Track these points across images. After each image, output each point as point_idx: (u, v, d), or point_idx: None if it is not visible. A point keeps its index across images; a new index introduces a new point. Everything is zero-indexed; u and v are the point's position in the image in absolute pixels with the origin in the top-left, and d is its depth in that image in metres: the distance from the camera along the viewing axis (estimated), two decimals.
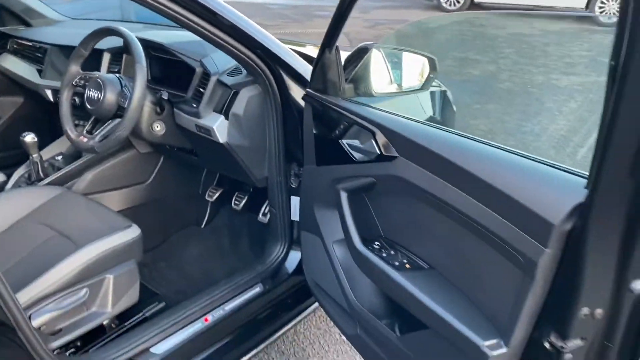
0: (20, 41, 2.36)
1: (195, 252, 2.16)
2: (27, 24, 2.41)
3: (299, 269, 1.77)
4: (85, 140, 1.67)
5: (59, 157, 2.06)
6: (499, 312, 0.98)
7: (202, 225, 2.30)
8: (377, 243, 1.30)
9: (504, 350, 0.96)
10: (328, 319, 2.16)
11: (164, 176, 2.17)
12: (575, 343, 0.90)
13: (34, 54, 2.26)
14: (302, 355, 2.00)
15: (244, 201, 2.18)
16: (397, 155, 1.16)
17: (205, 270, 2.03)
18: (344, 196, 1.32)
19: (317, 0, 11.58)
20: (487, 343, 0.97)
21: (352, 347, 2.01)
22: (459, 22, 8.74)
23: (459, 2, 9.88)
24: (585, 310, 0.86)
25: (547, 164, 0.90)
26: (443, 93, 2.16)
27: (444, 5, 9.94)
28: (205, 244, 2.21)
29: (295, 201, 1.75)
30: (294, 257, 1.82)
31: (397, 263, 1.21)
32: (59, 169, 2.00)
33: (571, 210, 0.81)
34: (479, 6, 9.93)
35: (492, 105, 5.06)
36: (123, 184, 2.08)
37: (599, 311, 0.87)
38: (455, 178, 1.01)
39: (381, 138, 1.22)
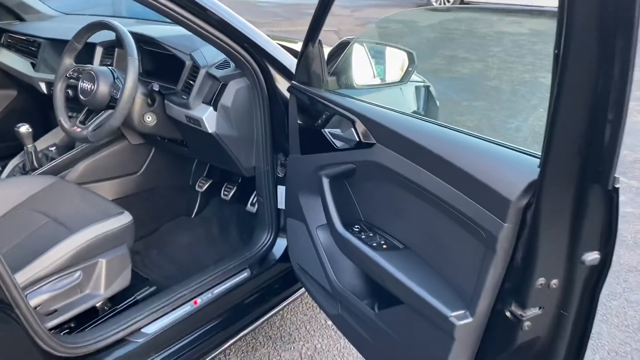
0: (14, 35, 2.41)
1: (186, 240, 2.22)
2: (21, 19, 2.46)
3: (286, 255, 1.84)
4: (78, 130, 1.74)
5: (53, 148, 2.12)
6: (465, 285, 1.06)
7: (192, 215, 2.37)
8: (356, 226, 1.37)
9: (469, 320, 1.04)
10: (314, 305, 2.25)
11: (155, 167, 2.23)
12: (533, 312, 0.98)
13: (28, 47, 2.31)
14: (289, 339, 2.07)
15: (232, 192, 2.25)
16: (375, 142, 1.24)
17: (195, 257, 2.09)
18: (325, 182, 1.40)
19: None
20: (455, 314, 1.05)
21: (337, 332, 2.09)
22: (449, 21, 8.85)
23: (448, 2, 9.98)
24: (541, 281, 0.94)
25: (505, 146, 0.98)
26: (426, 88, 2.24)
27: (434, 4, 10.03)
28: (195, 233, 2.27)
29: (282, 190, 1.82)
30: (281, 244, 1.89)
31: (375, 244, 1.28)
32: (52, 159, 2.06)
33: (526, 187, 0.89)
34: (469, 5, 10.03)
35: (479, 102, 5.15)
36: (115, 174, 2.14)
37: (554, 281, 0.95)
38: (426, 161, 1.09)
39: (360, 127, 1.29)
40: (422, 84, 2.21)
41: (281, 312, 2.18)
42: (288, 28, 8.31)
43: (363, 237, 1.31)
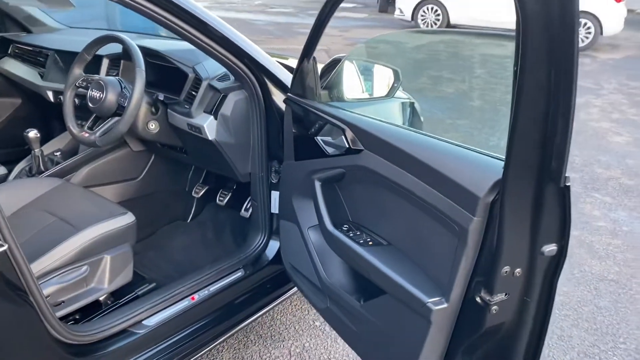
0: (21, 46, 2.53)
1: (182, 243, 2.33)
2: (28, 31, 2.58)
3: (278, 257, 1.96)
4: (86, 135, 1.86)
5: (58, 153, 2.23)
6: (441, 274, 1.19)
7: (188, 220, 2.48)
8: (345, 226, 1.50)
9: (445, 305, 1.17)
10: (302, 307, 2.36)
11: (154, 173, 2.35)
12: (499, 297, 1.11)
13: (36, 58, 2.43)
14: (279, 338, 2.18)
15: (227, 197, 2.37)
16: (363, 148, 1.38)
17: (191, 258, 2.20)
18: (317, 185, 1.53)
19: (298, 18, 11.91)
20: (431, 300, 1.18)
21: (324, 332, 2.21)
22: (435, 43, 9.10)
23: (435, 24, 10.26)
24: (506, 269, 1.08)
25: (475, 150, 1.13)
26: (411, 104, 2.39)
27: (422, 26, 10.31)
28: (191, 237, 2.39)
29: (275, 195, 1.95)
30: (273, 246, 2.01)
31: (361, 241, 1.42)
32: (57, 163, 2.17)
33: (492, 185, 1.03)
34: (455, 27, 10.31)
35: (463, 120, 5.35)
36: (116, 179, 2.25)
37: (518, 270, 1.09)
38: (408, 165, 1.23)
39: (350, 135, 1.43)
40: (407, 100, 2.37)
41: (271, 312, 2.30)
42: (281, 46, 8.50)
43: (351, 235, 1.45)
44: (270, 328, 2.24)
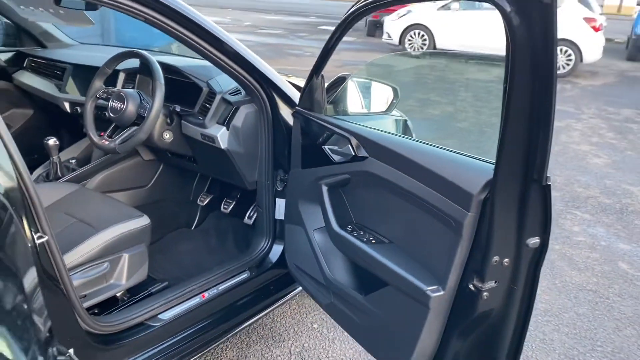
0: (37, 60, 2.67)
1: (188, 248, 2.46)
2: (43, 46, 2.72)
3: (280, 261, 2.10)
4: (106, 143, 1.99)
5: (73, 161, 2.36)
6: (438, 265, 1.35)
7: (193, 227, 2.61)
8: (350, 226, 1.66)
9: (441, 292, 1.32)
10: (301, 310, 2.49)
11: (162, 182, 2.48)
12: (490, 285, 1.27)
13: (53, 71, 2.57)
14: (279, 338, 2.30)
15: (232, 206, 2.51)
16: (368, 155, 1.54)
17: (197, 262, 2.33)
18: (325, 190, 1.69)
19: (287, 39, 12.19)
20: (430, 288, 1.33)
21: (322, 333, 2.34)
22: (422, 67, 9.40)
23: (422, 49, 10.59)
24: (496, 259, 1.24)
25: (468, 155, 1.30)
26: (404, 122, 2.57)
27: (409, 50, 10.64)
28: (196, 243, 2.51)
29: (280, 202, 2.09)
30: (277, 250, 2.15)
31: (365, 239, 1.57)
32: (73, 170, 2.30)
33: (484, 184, 1.20)
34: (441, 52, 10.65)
35: (448, 141, 5.56)
36: (127, 186, 2.38)
37: (506, 260, 1.25)
38: (409, 169, 1.39)
39: (355, 143, 1.60)
40: (400, 118, 2.55)
41: (271, 314, 2.42)
42: (272, 66, 8.70)
43: (356, 234, 1.60)
44: (271, 329, 2.36)
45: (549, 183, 1.14)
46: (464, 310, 1.33)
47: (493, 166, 1.20)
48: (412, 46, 10.59)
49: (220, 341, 1.96)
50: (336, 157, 1.69)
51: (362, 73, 1.86)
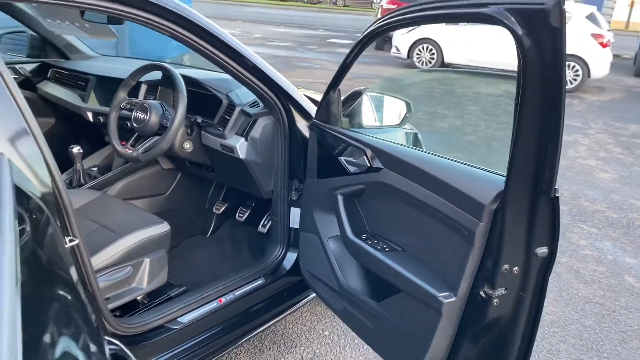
0: (61, 71, 2.77)
1: (204, 255, 2.53)
2: (66, 57, 2.82)
3: (294, 268, 2.16)
4: (129, 152, 2.07)
5: (95, 168, 2.44)
6: (450, 272, 1.41)
7: (208, 235, 2.68)
8: (364, 235, 1.72)
9: (453, 299, 1.38)
10: (313, 318, 2.55)
11: (179, 190, 2.56)
12: (500, 292, 1.33)
13: (76, 82, 2.66)
14: (291, 344, 2.36)
15: (246, 214, 2.58)
16: (382, 167, 1.61)
17: (213, 268, 2.39)
18: (340, 199, 1.76)
19: (296, 52, 12.32)
20: (442, 294, 1.39)
21: (333, 340, 2.39)
22: (430, 80, 9.50)
23: (430, 63, 10.69)
24: (506, 267, 1.30)
25: (480, 168, 1.37)
26: (415, 134, 2.65)
27: (417, 64, 10.74)
28: (212, 250, 2.58)
29: (294, 211, 2.16)
30: (291, 258, 2.22)
31: (379, 248, 1.63)
32: (94, 177, 2.38)
33: (495, 195, 1.26)
34: (449, 67, 10.74)
35: (456, 154, 5.62)
36: (146, 194, 2.46)
37: (515, 268, 1.31)
38: (423, 180, 1.46)
39: (370, 155, 1.67)
40: (411, 131, 2.62)
41: (283, 321, 2.48)
42: None
43: (370, 243, 1.66)
44: (283, 335, 2.41)
45: (557, 195, 1.20)
46: (474, 316, 1.39)
47: (503, 178, 1.26)
48: (420, 60, 10.69)
49: (235, 346, 2.02)
50: (351, 168, 1.76)
51: (377, 88, 1.93)
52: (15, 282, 0.60)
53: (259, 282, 2.12)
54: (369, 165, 1.66)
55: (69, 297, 0.88)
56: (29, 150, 1.22)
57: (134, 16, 1.56)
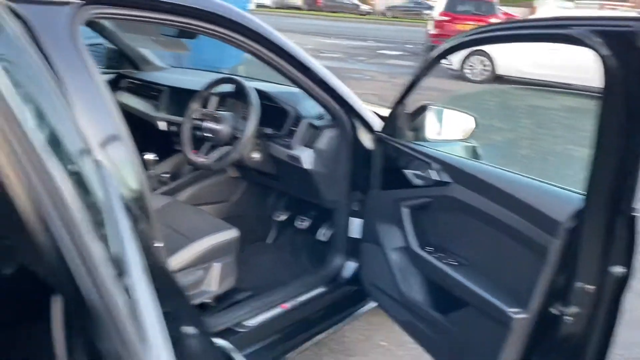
0: (133, 81, 2.92)
1: (266, 261, 2.60)
2: (138, 68, 2.98)
3: (354, 278, 2.20)
4: (202, 160, 2.18)
5: (166, 175, 2.57)
6: (520, 288, 1.41)
7: (269, 241, 2.76)
8: (429, 247, 1.74)
9: (524, 315, 1.39)
10: (370, 327, 2.58)
11: (243, 198, 2.65)
12: (573, 310, 1.32)
13: (149, 92, 2.80)
14: (348, 354, 2.40)
15: (307, 222, 2.64)
16: (451, 181, 1.63)
17: (275, 274, 2.46)
18: (406, 212, 1.79)
19: (347, 63, 12.41)
20: (512, 310, 1.40)
21: (389, 350, 2.41)
22: (483, 92, 9.38)
23: (482, 75, 10.55)
24: (580, 285, 1.30)
25: (555, 185, 1.37)
26: (474, 148, 2.65)
27: (468, 75, 10.62)
28: (273, 256, 2.66)
29: (355, 221, 2.20)
30: (350, 267, 2.26)
31: (446, 261, 1.65)
32: (165, 183, 2.50)
33: (572, 213, 1.27)
34: (501, 79, 10.57)
35: (512, 167, 5.51)
36: (212, 200, 2.56)
37: (590, 287, 1.30)
38: (494, 195, 1.47)
39: (438, 169, 1.69)
40: (470, 144, 2.62)
41: (341, 329, 2.51)
42: None
43: (436, 256, 1.69)
44: (341, 344, 2.45)
45: (636, 214, 1.20)
46: (544, 333, 1.39)
47: (579, 195, 1.27)
48: (473, 72, 10.57)
49: (295, 351, 2.08)
50: (417, 181, 1.79)
51: (442, 102, 1.96)
52: (148, 283, 0.67)
53: (321, 289, 2.17)
54: (436, 178, 1.69)
55: (179, 294, 0.95)
56: (120, 155, 1.30)
57: (208, 30, 1.63)
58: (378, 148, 1.98)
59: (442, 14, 13.02)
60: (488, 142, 6.22)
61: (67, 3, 1.28)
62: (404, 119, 1.91)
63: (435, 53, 1.69)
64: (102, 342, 0.56)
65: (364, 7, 33.38)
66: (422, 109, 1.95)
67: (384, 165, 1.95)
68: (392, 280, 1.88)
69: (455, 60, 10.71)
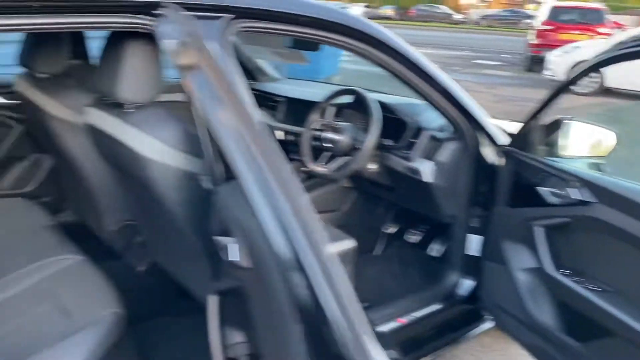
0: (252, 92, 3.03)
1: (375, 273, 2.58)
2: (255, 79, 3.09)
3: (470, 296, 2.13)
4: (322, 169, 2.21)
5: None
6: None
7: (377, 253, 2.74)
8: (566, 270, 1.64)
9: None
10: (483, 350, 2.47)
11: (354, 208, 2.66)
12: None
13: (267, 102, 2.91)
14: None
15: (417, 236, 2.60)
16: (596, 201, 1.53)
17: (388, 287, 2.44)
18: (540, 232, 1.70)
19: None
20: None
21: None
22: (594, 105, 8.81)
23: (589, 87, 9.92)
24: None
25: None
26: (598, 164, 2.47)
27: (575, 89, 10.03)
28: (381, 268, 2.63)
29: (472, 238, 2.13)
30: (466, 285, 2.18)
31: (586, 286, 1.55)
32: None
33: None
34: (610, 91, 9.90)
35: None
36: (323, 209, 2.59)
37: None
38: None
39: (579, 187, 1.59)
40: (594, 161, 2.45)
41: (454, 349, 2.44)
42: None
43: (575, 280, 1.58)
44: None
45: None
46: None
47: None
48: (580, 84, 9.96)
49: None
50: (553, 199, 1.69)
51: (579, 116, 1.85)
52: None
53: (437, 306, 2.12)
54: (578, 197, 1.59)
55: None
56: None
57: (340, 42, 1.64)
58: (507, 163, 1.90)
59: (544, 23, 12.43)
60: (608, 158, 5.82)
61: (219, 17, 1.35)
62: (539, 133, 1.83)
63: (584, 66, 1.59)
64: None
65: (457, 17, 32.71)
66: (556, 123, 1.85)
67: (514, 181, 1.87)
68: (519, 301, 1.79)
69: (559, 70, 10.16)
